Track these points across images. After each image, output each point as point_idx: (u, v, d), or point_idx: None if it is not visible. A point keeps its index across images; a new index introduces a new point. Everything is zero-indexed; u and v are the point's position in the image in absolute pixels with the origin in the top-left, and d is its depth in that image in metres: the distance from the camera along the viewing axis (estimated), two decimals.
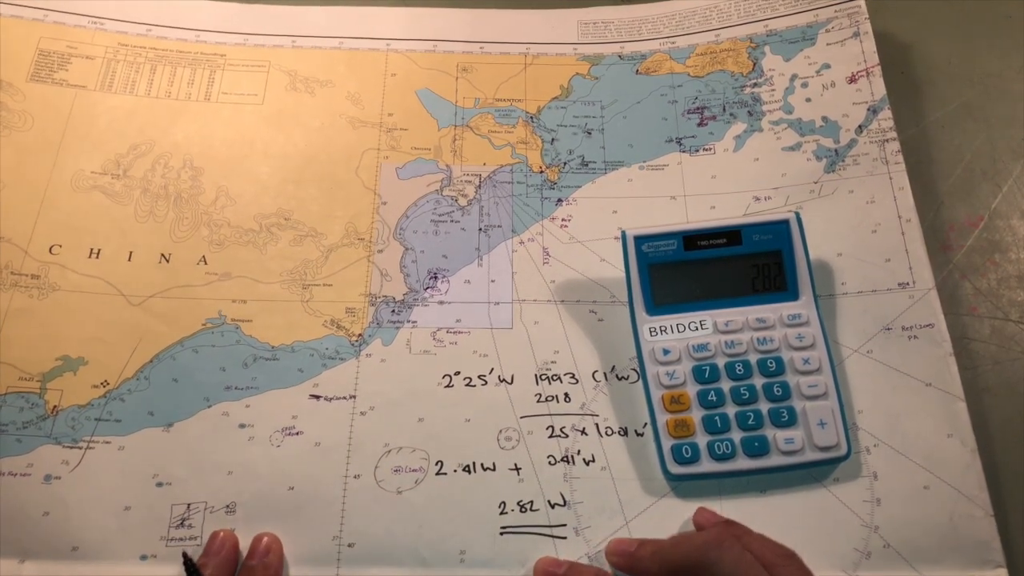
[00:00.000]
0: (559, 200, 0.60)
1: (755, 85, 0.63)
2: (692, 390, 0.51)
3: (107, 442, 0.51)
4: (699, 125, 0.62)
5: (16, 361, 0.53)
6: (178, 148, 0.61)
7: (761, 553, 0.42)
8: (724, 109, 0.62)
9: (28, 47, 0.63)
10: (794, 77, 0.63)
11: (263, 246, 0.57)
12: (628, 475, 0.51)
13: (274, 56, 0.65)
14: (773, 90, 0.63)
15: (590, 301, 0.56)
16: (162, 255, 0.57)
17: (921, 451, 0.50)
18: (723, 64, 0.64)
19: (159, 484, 0.50)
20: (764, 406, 0.50)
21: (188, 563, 0.46)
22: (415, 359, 0.54)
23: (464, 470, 0.51)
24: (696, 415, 0.50)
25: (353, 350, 0.54)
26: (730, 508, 0.49)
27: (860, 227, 0.57)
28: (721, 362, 0.51)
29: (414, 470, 0.51)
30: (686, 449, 0.49)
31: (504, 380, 0.53)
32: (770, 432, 0.50)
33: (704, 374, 0.51)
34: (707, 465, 0.49)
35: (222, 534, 0.48)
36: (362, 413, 0.52)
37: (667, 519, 0.49)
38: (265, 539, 0.48)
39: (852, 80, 0.62)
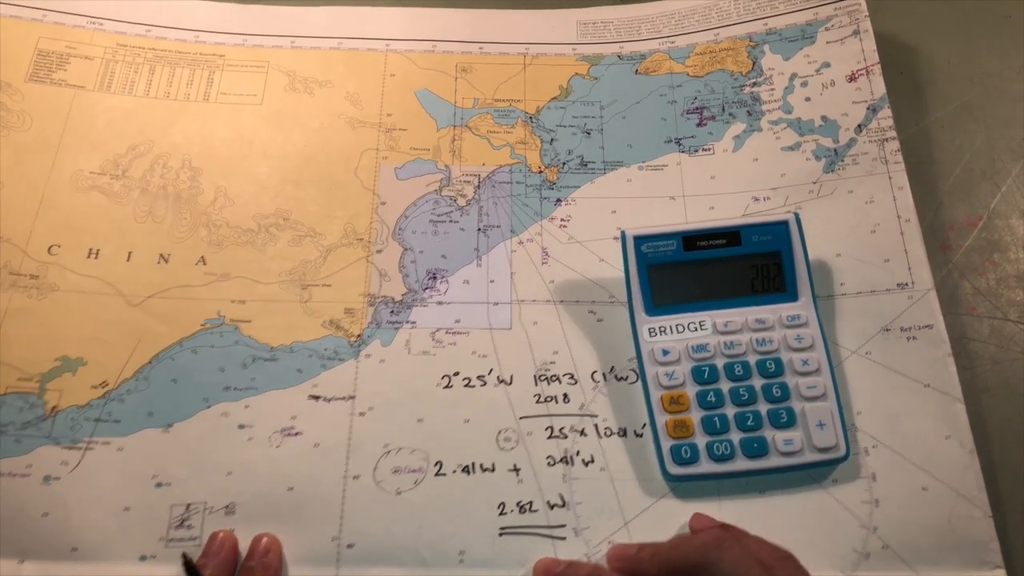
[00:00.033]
0: (558, 200, 0.60)
1: (754, 84, 0.63)
2: (691, 391, 0.51)
3: (106, 443, 0.51)
4: (698, 125, 0.62)
5: (15, 361, 0.53)
6: (177, 148, 0.61)
7: (759, 555, 0.42)
8: (723, 109, 0.62)
9: (27, 47, 0.63)
10: (794, 76, 0.63)
11: (262, 246, 0.57)
12: (627, 476, 0.51)
13: (273, 56, 0.65)
14: (772, 89, 0.62)
15: (589, 301, 0.56)
16: (161, 255, 0.57)
17: (920, 452, 0.50)
18: (722, 63, 0.64)
19: (158, 485, 0.50)
20: (763, 407, 0.50)
21: (188, 564, 0.46)
22: (414, 359, 0.54)
23: (463, 471, 0.51)
24: (695, 416, 0.50)
25: (352, 350, 0.54)
26: (729, 509, 0.49)
27: (859, 227, 0.56)
28: (720, 363, 0.51)
29: (413, 471, 0.51)
30: (685, 450, 0.49)
31: (503, 381, 0.53)
32: (769, 433, 0.50)
33: (703, 375, 0.51)
34: (706, 466, 0.49)
35: (221, 535, 0.48)
36: (361, 414, 0.52)
37: (666, 520, 0.49)
38: (264, 540, 0.48)
39: (852, 79, 0.62)
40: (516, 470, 0.51)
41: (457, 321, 0.55)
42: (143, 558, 0.48)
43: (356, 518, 0.49)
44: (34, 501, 0.49)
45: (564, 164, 0.61)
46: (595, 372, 0.54)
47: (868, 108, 0.60)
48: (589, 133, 0.62)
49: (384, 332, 0.55)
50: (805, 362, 0.51)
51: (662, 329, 0.52)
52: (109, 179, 0.59)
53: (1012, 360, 0.54)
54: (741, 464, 0.49)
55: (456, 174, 0.61)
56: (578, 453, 0.51)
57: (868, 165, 0.58)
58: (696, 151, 0.61)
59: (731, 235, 0.53)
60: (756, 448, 0.49)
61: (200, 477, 0.50)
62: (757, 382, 0.51)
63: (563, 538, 0.49)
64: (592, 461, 0.51)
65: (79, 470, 0.50)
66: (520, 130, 0.62)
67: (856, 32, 0.63)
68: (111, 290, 0.55)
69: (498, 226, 0.59)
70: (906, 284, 0.54)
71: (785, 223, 0.53)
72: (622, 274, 0.53)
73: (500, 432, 0.52)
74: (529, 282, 0.57)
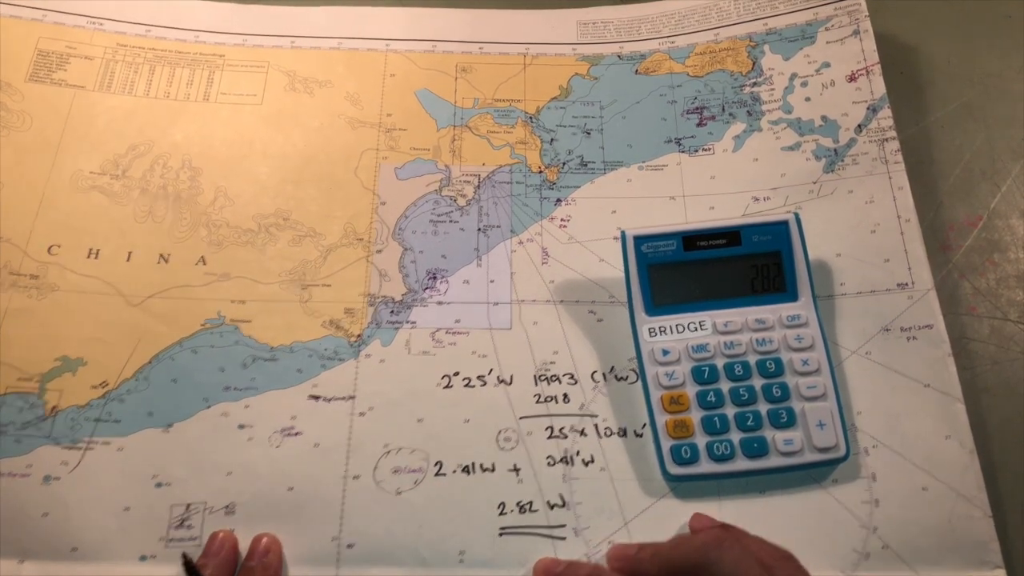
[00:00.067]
0: (558, 200, 0.60)
1: (754, 84, 0.63)
2: (691, 391, 0.51)
3: (106, 443, 0.51)
4: (698, 125, 0.62)
5: (15, 361, 0.53)
6: (177, 148, 0.61)
7: (759, 555, 0.42)
8: (723, 109, 0.62)
9: (27, 47, 0.63)
10: (794, 76, 0.63)
11: (262, 246, 0.57)
12: (627, 476, 0.51)
13: (273, 56, 0.65)
14: (772, 89, 0.62)
15: (589, 301, 0.56)
16: (161, 255, 0.57)
17: (920, 452, 0.50)
18: (722, 63, 0.64)
19: (158, 485, 0.50)
20: (763, 407, 0.50)
21: (188, 564, 0.46)
22: (414, 359, 0.54)
23: (463, 471, 0.51)
24: (695, 416, 0.50)
25: (352, 350, 0.54)
26: (729, 509, 0.49)
27: (859, 227, 0.56)
28: (720, 363, 0.51)
29: (413, 471, 0.51)
30: (685, 450, 0.49)
31: (503, 381, 0.53)
32: (769, 433, 0.50)
33: (703, 375, 0.51)
34: (706, 466, 0.49)
35: (221, 535, 0.48)
36: (361, 414, 0.52)
37: (666, 520, 0.49)
38: (264, 540, 0.48)
39: (852, 79, 0.62)
40: (516, 470, 0.51)
41: (457, 321, 0.55)
42: (143, 558, 0.48)
43: (356, 518, 0.49)
44: (34, 501, 0.49)
45: (564, 164, 0.61)
46: (595, 372, 0.54)
47: (868, 108, 0.60)
48: (589, 133, 0.62)
49: (384, 332, 0.55)
50: (805, 362, 0.51)
51: (662, 329, 0.52)
52: (109, 179, 0.59)
53: (1012, 360, 0.54)
54: (741, 464, 0.49)
55: (456, 174, 0.61)
56: (578, 453, 0.51)
57: (868, 165, 0.58)
58: (696, 151, 0.61)
59: (731, 235, 0.53)
60: (756, 448, 0.49)
61: (200, 477, 0.50)
62: (757, 382, 0.51)
63: (563, 538, 0.49)
64: (592, 461, 0.51)
65: (79, 470, 0.50)
66: (520, 130, 0.62)
67: (856, 32, 0.63)
68: (111, 290, 0.55)
69: (498, 226, 0.59)
70: (906, 284, 0.54)
71: (785, 223, 0.53)
72: (622, 274, 0.53)
73: (500, 432, 0.52)
74: (529, 282, 0.57)
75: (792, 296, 0.53)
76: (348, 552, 0.49)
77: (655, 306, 0.53)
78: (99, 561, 0.48)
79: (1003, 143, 0.61)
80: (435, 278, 0.57)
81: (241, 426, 0.52)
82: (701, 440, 0.50)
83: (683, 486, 0.50)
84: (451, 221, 0.59)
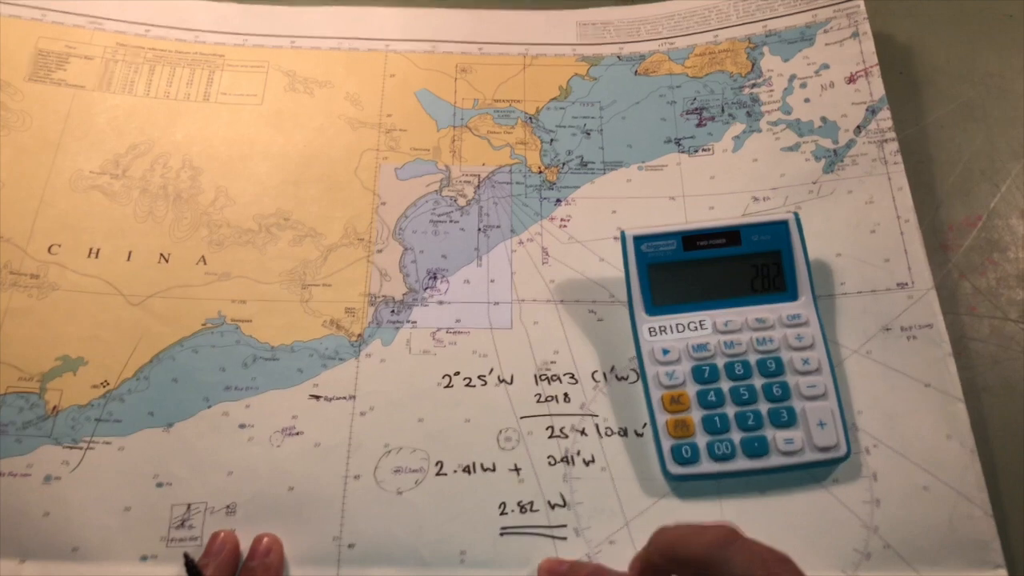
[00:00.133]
0: (558, 200, 0.60)
1: (754, 86, 0.63)
2: (692, 390, 0.51)
3: (107, 442, 0.51)
4: (698, 126, 0.62)
5: (16, 361, 0.53)
6: (177, 148, 0.61)
7: (763, 556, 0.42)
8: (723, 110, 0.62)
9: (26, 47, 0.63)
10: (793, 77, 0.63)
11: (262, 246, 0.57)
12: (628, 475, 0.51)
13: (273, 56, 0.65)
14: (772, 90, 0.63)
15: (589, 301, 0.56)
16: (161, 255, 0.57)
17: (920, 452, 0.50)
18: (722, 65, 0.64)
19: (159, 484, 0.50)
20: (764, 406, 0.50)
21: (189, 564, 0.46)
22: (415, 359, 0.54)
23: (464, 470, 0.51)
24: (696, 415, 0.50)
25: (353, 350, 0.54)
26: (730, 508, 0.49)
27: (859, 227, 0.57)
28: (721, 362, 0.51)
29: (414, 470, 0.51)
30: (686, 449, 0.49)
31: (504, 380, 0.53)
32: (770, 432, 0.50)
33: (704, 374, 0.51)
34: (707, 465, 0.49)
35: (222, 535, 0.48)
36: (362, 413, 0.52)
37: (667, 519, 0.49)
38: (265, 539, 0.48)
39: (851, 80, 0.62)
40: (517, 470, 0.51)
41: (458, 321, 0.55)
42: (144, 558, 0.48)
43: (357, 518, 0.49)
44: (35, 501, 0.49)
45: (564, 164, 0.61)
46: (595, 372, 0.54)
47: (867, 109, 0.60)
48: (589, 133, 0.62)
49: (385, 332, 0.55)
50: (806, 361, 0.51)
51: (662, 329, 0.52)
52: (109, 179, 0.59)
53: (1012, 359, 0.54)
54: (742, 464, 0.49)
55: (456, 174, 0.61)
56: (579, 453, 0.51)
57: (867, 166, 0.58)
58: (696, 151, 0.61)
59: (731, 235, 0.53)
60: (757, 447, 0.49)
61: (201, 477, 0.50)
62: (757, 381, 0.51)
63: (564, 538, 0.49)
64: (593, 461, 0.51)
65: (80, 470, 0.50)
66: (520, 130, 0.62)
67: (855, 34, 0.63)
68: (111, 290, 0.55)
69: (498, 226, 0.59)
70: (906, 284, 0.54)
71: (785, 223, 0.53)
72: (622, 274, 0.53)
73: (501, 432, 0.52)
74: (529, 282, 0.57)
75: (792, 296, 0.53)
76: (349, 552, 0.49)
77: (655, 306, 0.53)
78: (100, 561, 0.48)
79: (1003, 143, 0.61)
80: (436, 278, 0.57)
81: (242, 426, 0.52)
82: (702, 440, 0.50)
83: (683, 486, 0.50)
84: (451, 221, 0.59)
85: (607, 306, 0.56)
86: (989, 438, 0.52)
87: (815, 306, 0.52)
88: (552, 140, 0.62)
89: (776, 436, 0.49)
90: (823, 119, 0.61)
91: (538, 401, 0.53)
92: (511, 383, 0.53)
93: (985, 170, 0.61)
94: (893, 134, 0.59)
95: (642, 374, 0.52)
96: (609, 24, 0.67)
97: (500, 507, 0.50)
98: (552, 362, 0.54)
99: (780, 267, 0.53)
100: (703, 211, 0.59)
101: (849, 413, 0.51)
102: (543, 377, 0.53)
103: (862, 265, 0.55)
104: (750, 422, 0.50)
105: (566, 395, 0.53)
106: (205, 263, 0.57)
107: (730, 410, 0.50)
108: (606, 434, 0.52)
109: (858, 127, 0.60)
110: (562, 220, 0.59)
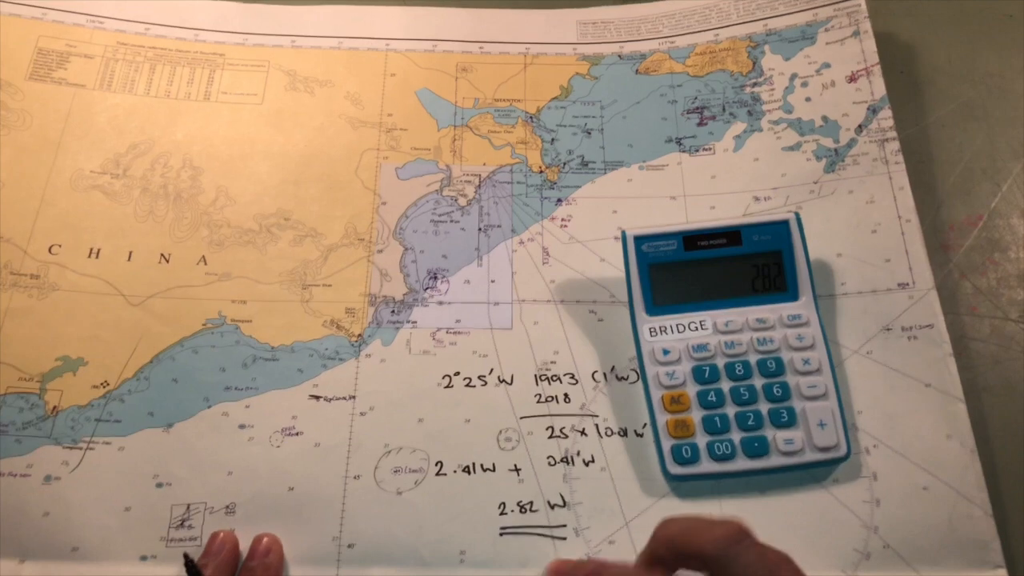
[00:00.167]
0: (559, 200, 0.60)
1: (755, 85, 0.63)
2: (692, 390, 0.51)
3: (107, 442, 0.51)
4: (699, 125, 0.62)
5: (16, 361, 0.53)
6: (178, 147, 0.60)
7: (768, 556, 0.42)
8: (724, 109, 0.62)
9: (27, 46, 0.63)
10: (794, 76, 0.63)
11: (263, 246, 0.57)
12: (628, 476, 0.51)
13: (273, 56, 0.65)
14: (773, 89, 0.62)
15: (590, 301, 0.56)
16: (162, 255, 0.57)
17: (920, 452, 0.50)
18: (723, 64, 0.64)
19: (159, 484, 0.50)
20: (764, 407, 0.50)
21: (189, 564, 0.46)
22: (415, 359, 0.54)
23: (464, 471, 0.51)
24: (696, 415, 0.50)
25: (353, 350, 0.54)
26: (730, 508, 0.49)
27: (860, 227, 0.57)
28: (721, 362, 0.51)
29: (414, 471, 0.51)
30: (686, 449, 0.49)
31: (504, 380, 0.53)
32: (770, 433, 0.50)
33: (704, 374, 0.51)
34: (707, 465, 0.49)
35: (222, 535, 0.48)
36: (362, 413, 0.52)
37: None
38: (265, 539, 0.48)
39: (852, 79, 0.62)
40: (517, 470, 0.51)
41: (458, 321, 0.55)
42: (144, 558, 0.48)
43: (357, 518, 0.49)
44: (35, 501, 0.49)
45: (565, 164, 0.61)
46: (596, 372, 0.54)
47: (868, 109, 0.60)
48: (590, 133, 0.62)
49: (385, 332, 0.55)
50: (806, 361, 0.51)
51: (663, 329, 0.52)
52: (110, 178, 0.59)
53: (1013, 359, 0.54)
54: (742, 464, 0.49)
55: (457, 174, 0.61)
56: (579, 453, 0.51)
57: (868, 165, 0.58)
58: (697, 151, 0.61)
59: (732, 235, 0.53)
60: (757, 448, 0.49)
61: (201, 477, 0.50)
62: (758, 381, 0.51)
63: (563, 538, 0.49)
64: (593, 461, 0.51)
65: (80, 470, 0.50)
66: (521, 130, 0.62)
67: (856, 33, 0.63)
68: (112, 290, 0.55)
69: (499, 226, 0.59)
70: (907, 284, 0.54)
71: (786, 223, 0.53)
72: (623, 274, 0.53)
73: (501, 432, 0.52)
74: (530, 282, 0.57)
75: (793, 296, 0.53)
76: (349, 552, 0.49)
77: (656, 306, 0.53)
78: (100, 561, 0.48)
79: (1004, 142, 0.61)
80: (436, 278, 0.57)
81: (242, 426, 0.52)
82: (702, 440, 0.50)
83: (684, 486, 0.50)
84: (452, 221, 0.59)
85: (607, 306, 0.56)
86: (989, 438, 0.52)
87: (816, 306, 0.52)
88: (553, 139, 0.62)
89: (776, 436, 0.49)
90: (824, 118, 0.61)
91: (538, 401, 0.53)
92: (511, 383, 0.53)
93: (986, 170, 0.60)
94: (894, 133, 0.59)
95: (642, 374, 0.52)
96: (610, 23, 0.67)
97: (500, 507, 0.50)
98: (552, 362, 0.54)
99: (781, 267, 0.53)
100: (704, 211, 0.59)
101: (849, 413, 0.51)
102: (543, 377, 0.53)
103: (863, 265, 0.55)
104: (750, 422, 0.50)
105: (566, 395, 0.53)
106: (205, 263, 0.57)
107: (730, 410, 0.50)
108: (606, 434, 0.52)
109: (859, 126, 0.60)
110: (563, 220, 0.59)
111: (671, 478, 0.50)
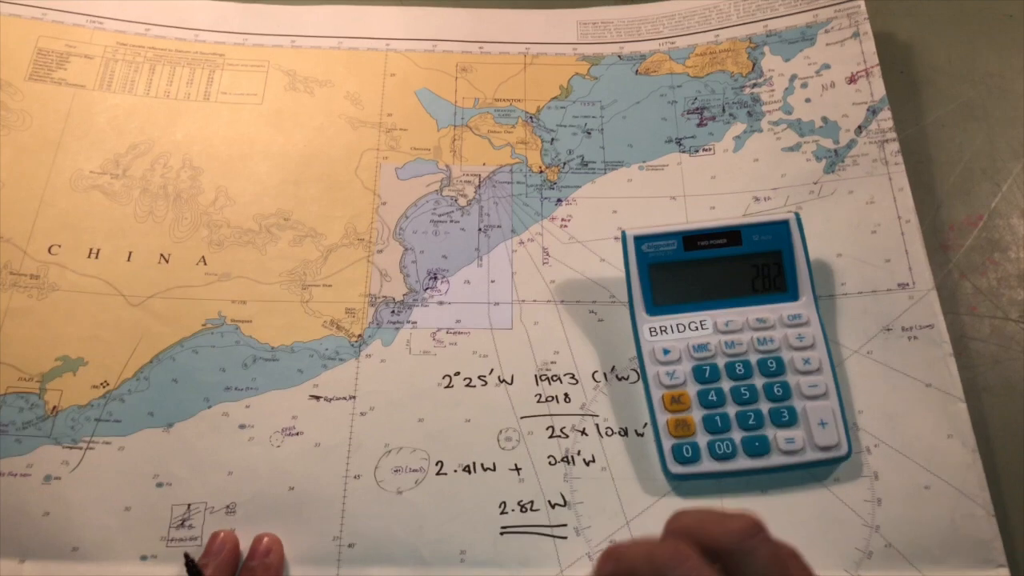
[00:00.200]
0: (559, 200, 0.60)
1: (755, 85, 0.63)
2: (692, 390, 0.51)
3: (107, 442, 0.51)
4: (699, 125, 0.62)
5: (16, 361, 0.53)
6: (177, 148, 0.60)
7: (780, 551, 0.42)
8: (724, 109, 0.62)
9: (27, 46, 0.63)
10: (794, 77, 0.63)
11: (263, 246, 0.57)
12: (628, 475, 0.51)
13: (273, 56, 0.65)
14: (772, 90, 0.63)
15: (590, 301, 0.56)
16: (161, 255, 0.57)
17: (921, 451, 0.50)
18: (723, 64, 0.64)
19: (159, 484, 0.50)
20: (764, 406, 0.50)
21: (189, 563, 0.46)
22: (415, 359, 0.54)
23: (464, 470, 0.51)
24: (696, 415, 0.50)
25: (353, 350, 0.54)
26: (730, 508, 0.49)
27: (860, 227, 0.57)
28: (721, 362, 0.51)
29: (414, 470, 0.51)
30: (686, 449, 0.49)
31: (504, 380, 0.53)
32: (771, 432, 0.50)
33: (704, 374, 0.51)
34: (707, 465, 0.49)
35: (222, 534, 0.48)
36: (362, 413, 0.52)
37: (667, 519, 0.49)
38: (265, 539, 0.48)
39: (852, 80, 0.62)
40: (517, 469, 0.51)
41: (458, 321, 0.55)
42: (144, 558, 0.48)
43: (357, 518, 0.49)
44: (35, 501, 0.49)
45: (565, 164, 0.61)
46: (596, 372, 0.54)
47: (868, 110, 0.60)
48: (590, 133, 0.62)
49: (385, 332, 0.55)
50: (806, 361, 0.51)
51: (663, 328, 0.52)
52: (109, 178, 0.59)
53: (1013, 359, 0.54)
54: (742, 463, 0.49)
55: (457, 174, 0.61)
56: (579, 452, 0.51)
57: (868, 166, 0.58)
58: (697, 151, 0.61)
59: (732, 235, 0.53)
60: (757, 447, 0.49)
61: (201, 477, 0.50)
62: (758, 381, 0.51)
63: (564, 537, 0.49)
64: (593, 460, 0.51)
65: (80, 470, 0.50)
66: (521, 130, 0.62)
67: (856, 34, 0.63)
68: (111, 290, 0.55)
69: (499, 226, 0.59)
70: (907, 284, 0.54)
71: (786, 223, 0.53)
72: (623, 274, 0.53)
73: (501, 432, 0.52)
74: (530, 282, 0.57)
75: (793, 296, 0.53)
76: (349, 552, 0.49)
77: (656, 306, 0.53)
78: (100, 561, 0.48)
79: (1003, 143, 0.61)
80: (436, 278, 0.57)
81: (242, 426, 0.52)
82: (702, 439, 0.50)
83: (684, 485, 0.50)
84: (452, 221, 0.59)
85: (608, 306, 0.56)
86: (990, 438, 0.52)
87: (816, 306, 0.52)
88: (553, 140, 0.62)
89: (777, 435, 0.49)
90: (824, 119, 0.61)
91: (538, 401, 0.53)
92: (511, 383, 0.53)
93: (986, 170, 0.60)
94: (894, 134, 0.59)
95: (643, 374, 0.52)
96: (610, 23, 0.67)
97: (500, 507, 0.50)
98: (552, 362, 0.54)
99: (781, 267, 0.53)
100: (704, 211, 0.59)
101: (850, 413, 0.51)
102: (543, 377, 0.53)
103: (863, 265, 0.55)
104: (751, 421, 0.50)
105: (566, 395, 0.53)
106: (205, 263, 0.57)
107: (731, 409, 0.50)
108: (606, 434, 0.52)
109: (859, 127, 0.60)
110: (563, 220, 0.59)
111: (672, 477, 0.50)
